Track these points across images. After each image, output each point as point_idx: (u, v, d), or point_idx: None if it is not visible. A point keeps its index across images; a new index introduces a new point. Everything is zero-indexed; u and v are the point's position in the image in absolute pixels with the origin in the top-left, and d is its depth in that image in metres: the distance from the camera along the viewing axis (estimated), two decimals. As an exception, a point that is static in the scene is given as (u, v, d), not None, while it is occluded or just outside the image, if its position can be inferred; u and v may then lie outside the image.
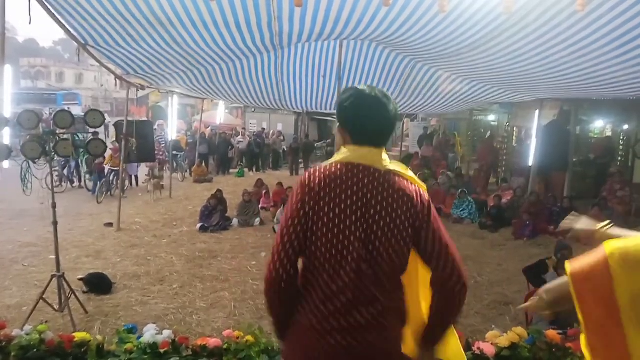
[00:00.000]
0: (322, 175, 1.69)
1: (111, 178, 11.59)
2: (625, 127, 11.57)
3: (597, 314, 1.48)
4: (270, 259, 1.70)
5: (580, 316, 1.51)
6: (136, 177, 13.14)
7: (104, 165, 11.57)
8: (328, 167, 1.71)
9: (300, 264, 1.73)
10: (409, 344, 1.78)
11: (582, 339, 1.53)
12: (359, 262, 1.64)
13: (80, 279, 5.48)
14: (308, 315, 1.69)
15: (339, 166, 1.70)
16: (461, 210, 10.08)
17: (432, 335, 1.77)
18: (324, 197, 1.65)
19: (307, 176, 1.72)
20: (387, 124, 1.75)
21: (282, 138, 19.17)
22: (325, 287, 1.67)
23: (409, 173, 1.78)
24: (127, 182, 12.00)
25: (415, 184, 1.76)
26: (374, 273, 1.66)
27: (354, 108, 1.73)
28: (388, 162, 1.74)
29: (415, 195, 1.71)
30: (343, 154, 1.74)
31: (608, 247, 1.48)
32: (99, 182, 11.42)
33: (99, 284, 5.47)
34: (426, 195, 1.76)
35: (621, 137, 11.91)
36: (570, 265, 1.53)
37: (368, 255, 1.65)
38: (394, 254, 1.67)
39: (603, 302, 1.45)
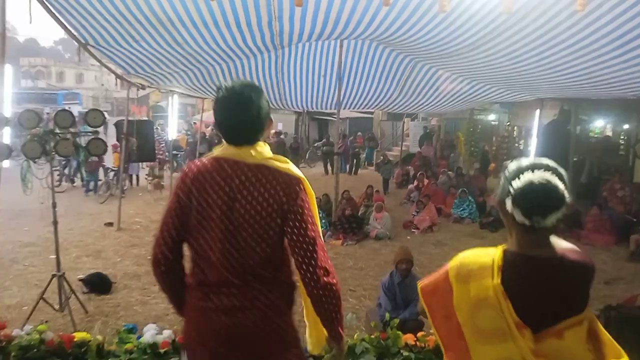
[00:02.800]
0: (196, 169, 1.81)
1: (111, 177, 11.59)
2: (626, 126, 11.55)
3: (445, 327, 1.53)
4: (154, 244, 1.85)
5: (433, 329, 1.56)
6: (137, 176, 13.13)
7: (103, 164, 11.58)
8: (203, 162, 1.83)
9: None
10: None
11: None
12: (226, 248, 1.74)
13: (80, 280, 5.49)
14: (193, 295, 1.84)
15: (211, 161, 1.81)
16: (461, 210, 10.08)
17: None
18: (193, 189, 1.78)
19: (185, 170, 1.86)
20: (247, 123, 1.79)
21: (282, 137, 18.89)
22: (201, 270, 1.81)
23: (289, 165, 1.83)
24: (127, 182, 12.00)
25: (292, 175, 1.80)
26: (242, 259, 1.75)
27: (219, 111, 1.81)
28: (264, 155, 1.80)
29: (286, 186, 1.76)
30: (217, 150, 1.86)
31: (452, 261, 1.55)
32: (97, 182, 11.41)
33: (99, 284, 5.47)
34: (302, 187, 1.81)
35: (621, 137, 11.89)
36: (421, 281, 1.61)
37: (234, 242, 1.74)
38: (260, 241, 1.75)
39: (447, 314, 1.50)
